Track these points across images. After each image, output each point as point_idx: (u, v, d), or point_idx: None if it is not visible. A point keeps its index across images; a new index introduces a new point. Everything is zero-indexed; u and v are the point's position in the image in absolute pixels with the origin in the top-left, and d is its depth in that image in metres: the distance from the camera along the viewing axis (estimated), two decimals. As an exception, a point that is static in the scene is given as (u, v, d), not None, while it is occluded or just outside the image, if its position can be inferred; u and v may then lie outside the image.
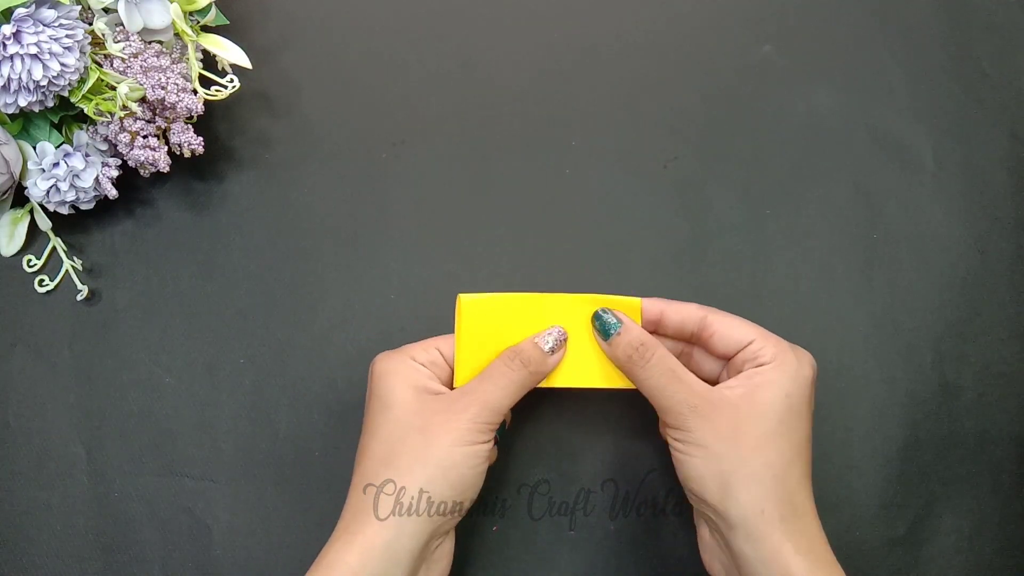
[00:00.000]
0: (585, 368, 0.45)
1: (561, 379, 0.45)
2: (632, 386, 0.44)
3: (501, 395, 0.42)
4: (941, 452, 0.51)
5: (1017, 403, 0.52)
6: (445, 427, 0.41)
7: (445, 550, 0.43)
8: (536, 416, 0.50)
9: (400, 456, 0.41)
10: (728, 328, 0.44)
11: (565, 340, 0.45)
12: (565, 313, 0.45)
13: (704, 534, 0.44)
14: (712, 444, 0.41)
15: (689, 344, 0.46)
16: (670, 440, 0.42)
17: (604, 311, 0.44)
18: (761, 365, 0.42)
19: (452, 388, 0.45)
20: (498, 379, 0.43)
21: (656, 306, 0.45)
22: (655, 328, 0.45)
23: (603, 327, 0.44)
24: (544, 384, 0.45)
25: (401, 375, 0.43)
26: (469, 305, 0.45)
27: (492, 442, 0.42)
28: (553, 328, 0.44)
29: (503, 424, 0.45)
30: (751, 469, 0.40)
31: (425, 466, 0.40)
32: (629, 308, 0.45)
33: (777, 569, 0.39)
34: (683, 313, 0.44)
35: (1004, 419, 0.51)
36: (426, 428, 0.41)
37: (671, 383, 0.42)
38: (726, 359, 0.44)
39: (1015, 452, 0.51)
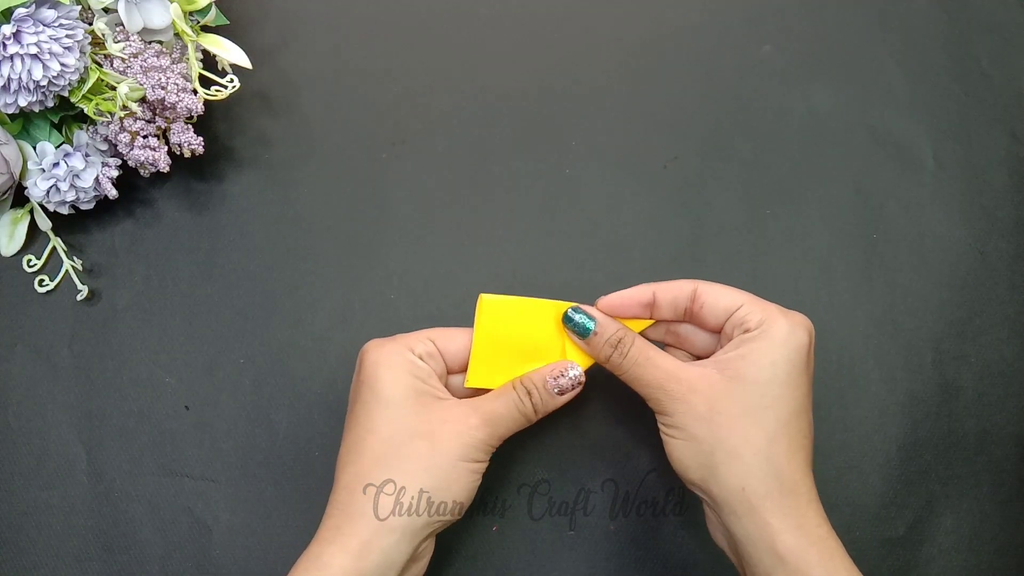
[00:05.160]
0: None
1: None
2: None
3: (511, 426, 0.43)
4: (941, 452, 0.51)
5: (1017, 403, 0.52)
6: (455, 441, 0.41)
7: (428, 548, 0.43)
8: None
9: (403, 459, 0.40)
10: (716, 296, 0.43)
11: (580, 385, 0.44)
12: None
13: (708, 510, 0.43)
14: (689, 425, 0.41)
15: (678, 322, 0.45)
16: (658, 424, 0.43)
17: (575, 310, 0.44)
18: (747, 331, 0.41)
19: (449, 384, 0.45)
20: (511, 410, 0.43)
21: (647, 290, 0.44)
22: (650, 311, 0.44)
23: (577, 327, 0.44)
24: None
25: (398, 368, 0.42)
26: (490, 305, 0.44)
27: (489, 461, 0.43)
28: (571, 368, 0.44)
29: None
30: (729, 447, 0.40)
31: (429, 473, 0.40)
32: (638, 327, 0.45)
33: (764, 546, 0.38)
34: (675, 290, 0.43)
35: (1004, 419, 0.51)
36: (433, 435, 0.41)
37: (647, 370, 0.42)
38: (718, 331, 0.43)
39: (1015, 452, 0.51)
